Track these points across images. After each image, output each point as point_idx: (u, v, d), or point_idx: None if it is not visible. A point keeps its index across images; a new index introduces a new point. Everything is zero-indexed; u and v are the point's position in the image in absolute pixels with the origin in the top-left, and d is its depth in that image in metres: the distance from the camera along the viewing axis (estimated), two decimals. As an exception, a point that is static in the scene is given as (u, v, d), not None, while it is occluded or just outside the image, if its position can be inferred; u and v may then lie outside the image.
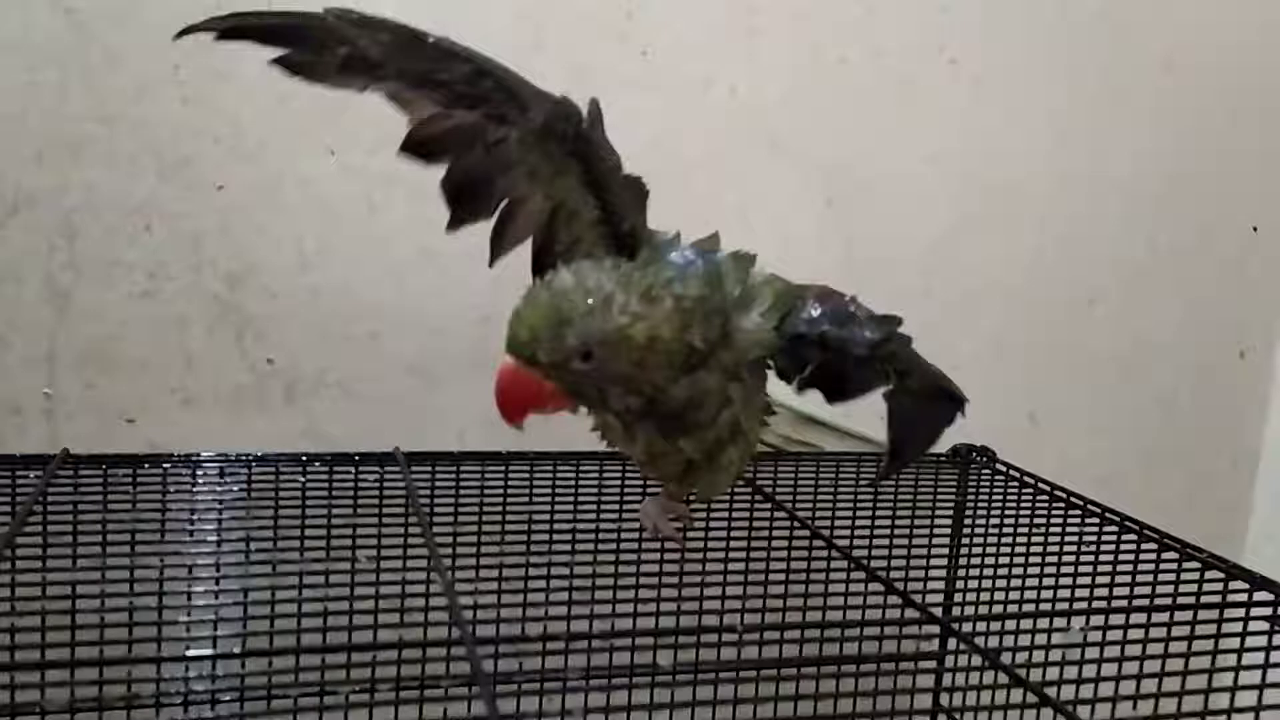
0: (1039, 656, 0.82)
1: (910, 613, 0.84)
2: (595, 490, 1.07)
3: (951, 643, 0.80)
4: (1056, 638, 0.82)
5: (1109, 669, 0.81)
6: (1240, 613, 0.89)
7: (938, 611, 1.15)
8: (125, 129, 1.06)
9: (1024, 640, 0.89)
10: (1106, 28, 1.36)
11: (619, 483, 1.07)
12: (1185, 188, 1.43)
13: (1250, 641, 0.87)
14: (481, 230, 1.15)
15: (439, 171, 1.13)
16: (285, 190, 1.11)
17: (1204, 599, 0.94)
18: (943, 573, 1.20)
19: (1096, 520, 1.07)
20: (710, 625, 0.75)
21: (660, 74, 1.20)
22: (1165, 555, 1.00)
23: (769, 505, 1.05)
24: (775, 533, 1.06)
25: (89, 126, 1.05)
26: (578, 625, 0.89)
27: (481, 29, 1.13)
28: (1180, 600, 0.95)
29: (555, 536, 1.00)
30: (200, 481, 1.02)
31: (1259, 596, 0.91)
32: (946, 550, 1.20)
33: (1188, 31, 1.40)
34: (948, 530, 1.21)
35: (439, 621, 0.76)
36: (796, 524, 1.01)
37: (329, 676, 0.69)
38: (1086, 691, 0.78)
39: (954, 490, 1.23)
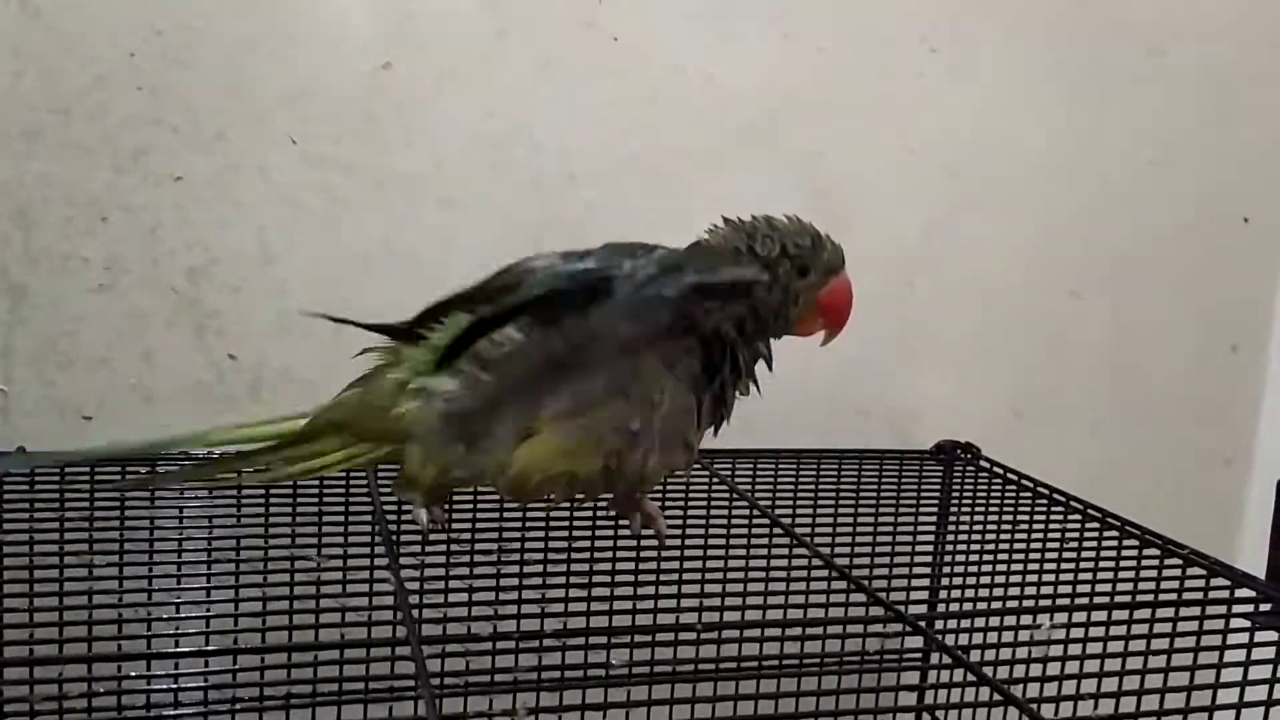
0: (1009, 654, 0.80)
1: (879, 611, 0.81)
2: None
3: (922, 641, 0.76)
4: (1026, 635, 0.80)
5: (1087, 666, 0.78)
6: (1223, 609, 0.87)
7: (923, 609, 1.15)
8: (81, 119, 1.04)
9: (995, 638, 0.88)
10: (1091, 13, 1.33)
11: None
12: (1173, 178, 1.40)
13: (1232, 639, 0.85)
14: (445, 221, 1.14)
15: (400, 160, 1.12)
16: (245, 181, 1.09)
17: (1186, 596, 0.93)
18: (927, 570, 1.18)
19: (1079, 517, 1.06)
20: (666, 624, 0.72)
21: (631, 62, 1.18)
22: (1147, 552, 0.99)
23: (747, 507, 1.03)
24: (739, 530, 1.03)
25: (43, 116, 1.03)
26: (544, 624, 0.86)
27: (446, 19, 1.12)
28: (1162, 597, 0.94)
29: (515, 533, 0.97)
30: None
31: (1241, 593, 0.89)
32: (931, 548, 1.19)
33: (1175, 16, 1.37)
34: (932, 527, 1.20)
35: (387, 621, 0.75)
36: (768, 521, 0.99)
37: (272, 678, 0.67)
38: (1057, 689, 0.75)
39: (938, 487, 1.22)
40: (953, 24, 1.28)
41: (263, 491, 0.99)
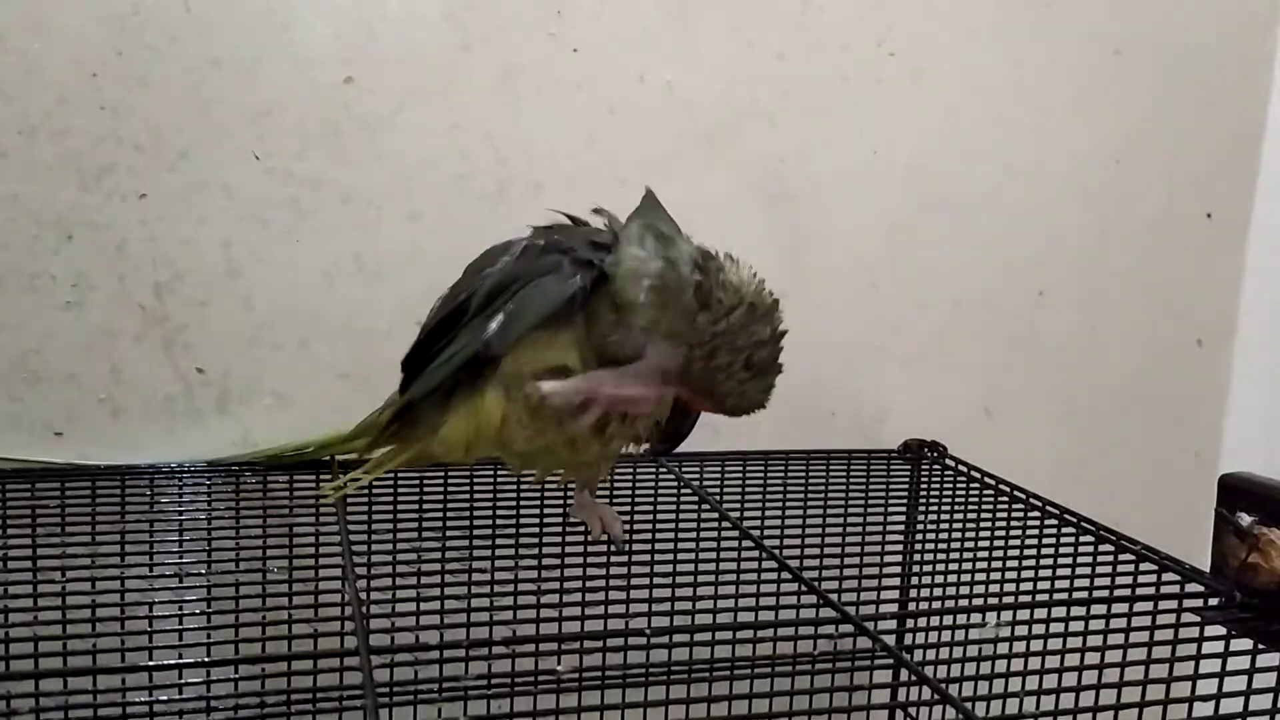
0: (960, 653, 0.81)
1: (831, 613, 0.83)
2: (514, 495, 1.07)
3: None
4: (974, 634, 0.82)
5: (1045, 663, 0.80)
6: (1174, 604, 0.89)
7: (893, 608, 1.16)
8: (45, 139, 1.04)
9: (949, 637, 0.89)
10: (1052, 14, 1.34)
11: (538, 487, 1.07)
12: (1136, 175, 1.41)
13: (1185, 633, 0.86)
14: (413, 234, 1.15)
15: (365, 173, 1.13)
16: (210, 197, 1.09)
17: (1139, 591, 0.94)
18: (896, 570, 1.20)
19: (1038, 514, 1.07)
20: (616, 629, 0.73)
21: (592, 72, 1.19)
22: (1103, 549, 1.00)
23: (716, 516, 1.04)
24: (708, 535, 1.05)
25: (8, 138, 1.04)
26: (493, 631, 0.87)
27: (408, 33, 1.13)
28: (1116, 593, 0.95)
29: (476, 541, 0.99)
30: (130, 493, 1.03)
31: (1191, 588, 0.90)
32: (900, 548, 1.20)
33: (1137, 15, 1.38)
34: (900, 527, 1.22)
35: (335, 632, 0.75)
36: (734, 528, 1.00)
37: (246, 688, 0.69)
38: (1005, 687, 0.77)
39: (906, 487, 1.24)
40: (910, 27, 1.29)
41: (232, 502, 1.01)
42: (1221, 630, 0.86)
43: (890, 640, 0.78)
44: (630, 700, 0.74)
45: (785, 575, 0.90)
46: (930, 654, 0.85)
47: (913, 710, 1.15)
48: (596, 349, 0.84)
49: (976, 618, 0.85)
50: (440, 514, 1.06)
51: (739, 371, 0.82)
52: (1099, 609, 0.86)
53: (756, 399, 0.85)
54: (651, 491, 1.11)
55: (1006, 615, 0.85)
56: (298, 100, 1.11)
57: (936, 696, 0.70)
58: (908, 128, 1.31)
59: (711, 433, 1.16)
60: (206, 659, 0.68)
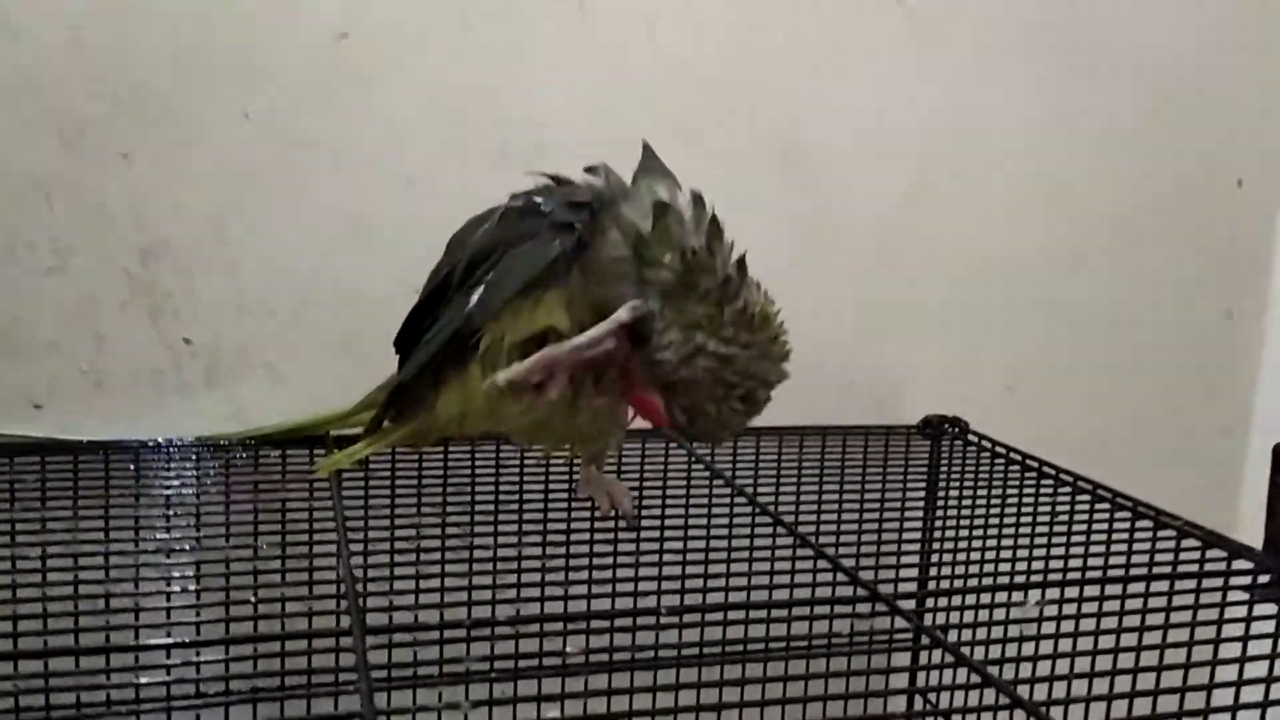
0: (1000, 634, 0.76)
1: (859, 592, 0.78)
2: (517, 470, 1.03)
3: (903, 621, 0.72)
4: (1014, 612, 0.77)
5: (1081, 644, 0.76)
6: (1219, 582, 0.84)
7: (912, 588, 1.11)
8: (21, 95, 0.99)
9: (986, 616, 0.84)
10: (1076, -33, 1.29)
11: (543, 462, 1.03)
12: (1165, 140, 1.35)
13: (1230, 613, 0.83)
14: (409, 201, 1.10)
15: (360, 134, 1.08)
16: (197, 158, 1.04)
17: (1181, 569, 0.89)
18: (916, 548, 1.15)
19: (1069, 490, 1.02)
20: (625, 609, 0.69)
21: (598, 31, 1.13)
22: (1140, 525, 0.95)
23: (730, 491, 0.99)
24: (720, 511, 1.01)
25: (-18, 94, 0.99)
26: (495, 610, 0.83)
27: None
28: (1156, 571, 0.90)
29: (478, 518, 0.94)
30: (114, 469, 0.99)
31: (1238, 565, 0.85)
32: (920, 526, 1.16)
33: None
34: (920, 505, 1.17)
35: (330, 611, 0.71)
36: (747, 502, 0.95)
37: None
38: (1050, 668, 0.72)
39: (926, 463, 1.19)
40: (929, -18, 1.23)
41: (222, 478, 0.98)
42: (1273, 609, 0.80)
43: (917, 620, 0.73)
44: (639, 684, 0.69)
45: (805, 551, 0.86)
46: (957, 634, 0.80)
47: (932, 696, 1.09)
48: (594, 305, 0.78)
49: (1016, 597, 0.80)
50: (440, 489, 1.01)
51: (734, 397, 0.77)
52: (1137, 587, 0.82)
53: (727, 431, 0.79)
54: (661, 466, 1.07)
55: (1044, 594, 0.80)
56: (289, 56, 1.06)
57: (975, 679, 0.65)
58: (924, 86, 1.26)
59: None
60: (196, 637, 0.63)
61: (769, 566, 0.90)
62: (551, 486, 1.01)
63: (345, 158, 1.08)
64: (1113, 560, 0.95)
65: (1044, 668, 0.72)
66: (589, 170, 0.85)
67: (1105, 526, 0.97)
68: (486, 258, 0.82)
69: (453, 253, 0.86)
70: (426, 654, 0.67)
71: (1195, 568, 0.88)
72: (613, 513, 0.93)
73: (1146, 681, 0.71)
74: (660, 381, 0.77)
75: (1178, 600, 0.81)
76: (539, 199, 0.83)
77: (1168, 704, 0.70)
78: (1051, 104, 1.31)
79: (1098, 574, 0.92)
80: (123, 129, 1.02)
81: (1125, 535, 0.95)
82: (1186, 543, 0.91)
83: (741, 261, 0.79)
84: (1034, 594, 0.79)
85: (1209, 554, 0.89)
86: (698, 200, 0.81)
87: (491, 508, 0.97)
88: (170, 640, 0.63)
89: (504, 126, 1.12)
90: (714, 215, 0.80)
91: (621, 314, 0.75)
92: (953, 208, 1.29)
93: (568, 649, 0.64)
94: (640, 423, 0.84)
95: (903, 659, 1.17)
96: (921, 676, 1.13)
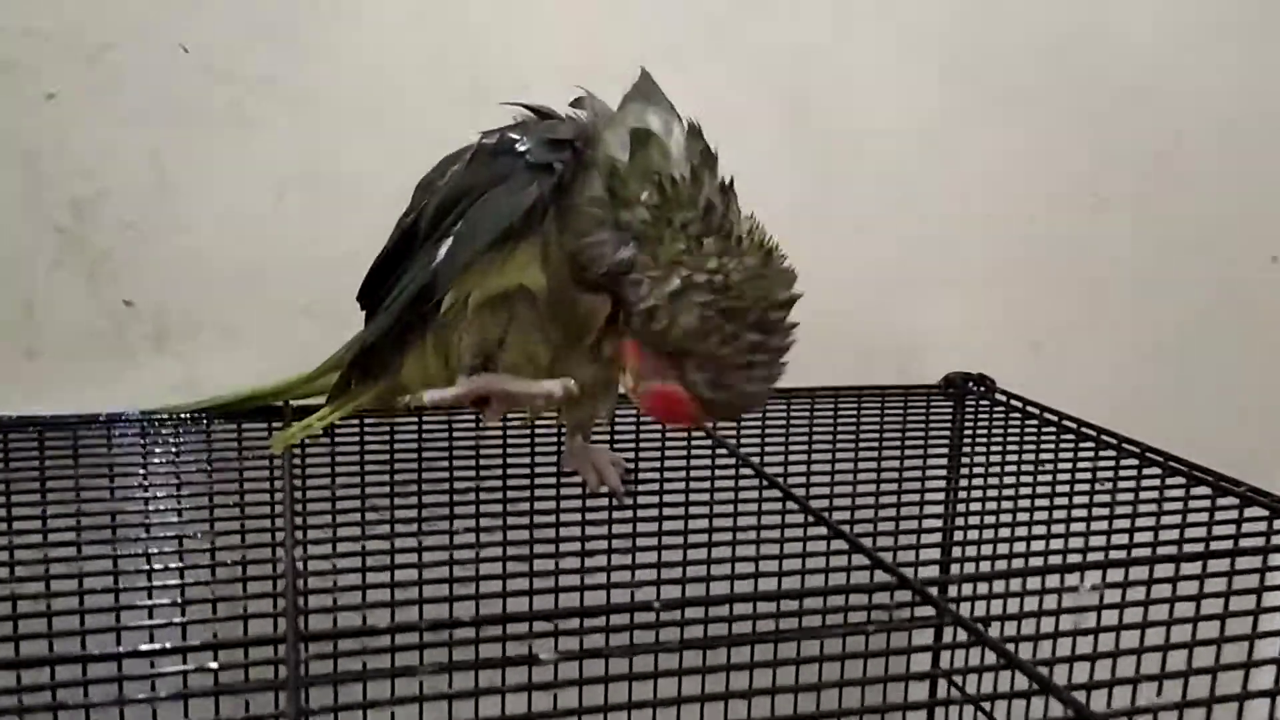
0: (1036, 618, 0.68)
1: (882, 575, 0.69)
2: (499, 444, 0.95)
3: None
4: (1066, 599, 0.67)
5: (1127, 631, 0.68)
6: None
7: (933, 567, 1.02)
8: (-68, 30, 0.90)
9: (1018, 604, 0.75)
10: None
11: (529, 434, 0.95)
12: (1206, 72, 1.27)
13: None
14: (377, 146, 1.00)
15: (324, 74, 0.98)
16: (134, 97, 0.96)
17: (1244, 541, 0.83)
18: (939, 519, 1.08)
19: (1113, 453, 0.95)
20: (620, 604, 0.59)
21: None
22: (1196, 491, 0.88)
23: (734, 462, 0.92)
24: (724, 484, 0.92)
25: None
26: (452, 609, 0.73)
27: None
28: (1215, 545, 0.81)
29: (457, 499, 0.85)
30: (50, 450, 0.91)
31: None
32: (942, 494, 1.08)
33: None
34: (943, 470, 1.09)
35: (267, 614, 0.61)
36: (754, 474, 0.88)
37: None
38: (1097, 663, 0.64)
39: (949, 425, 1.11)
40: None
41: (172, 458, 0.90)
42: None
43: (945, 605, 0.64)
44: (639, 697, 0.60)
45: (819, 530, 0.78)
46: (985, 610, 0.71)
47: (958, 679, 1.00)
48: (571, 256, 0.72)
49: (1069, 580, 0.71)
50: (415, 465, 0.92)
51: (747, 330, 0.67)
52: (1218, 562, 0.75)
53: (759, 383, 0.69)
54: (658, 436, 0.98)
55: (1104, 576, 0.71)
56: None
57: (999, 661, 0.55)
58: (943, 12, 1.18)
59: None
60: (150, 645, 0.56)
61: (779, 549, 0.80)
62: (538, 461, 0.93)
63: (301, 99, 0.99)
64: (1164, 535, 0.86)
65: (1087, 659, 0.64)
66: (574, 104, 0.78)
67: (1155, 495, 0.89)
68: (456, 204, 0.75)
69: (419, 196, 0.80)
70: (375, 661, 0.57)
71: (1261, 541, 0.80)
72: (602, 489, 0.85)
73: (1204, 657, 0.66)
74: (658, 341, 0.69)
75: (1239, 582, 0.73)
76: (515, 136, 0.75)
77: (1230, 683, 0.64)
78: (1084, 31, 1.23)
79: (1147, 549, 0.84)
80: (49, 65, 0.94)
81: (1179, 504, 0.88)
82: (1251, 511, 0.83)
83: (724, 186, 0.72)
84: (1090, 576, 0.69)
85: (1276, 524, 0.81)
86: (694, 131, 0.73)
87: (472, 487, 0.87)
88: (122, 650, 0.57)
89: (478, 61, 1.05)
90: (707, 146, 0.72)
91: (555, 389, 0.73)
92: (975, 146, 1.22)
93: (544, 654, 0.55)
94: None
95: (925, 636, 1.07)
96: (944, 659, 1.05)
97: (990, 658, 0.60)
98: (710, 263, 0.67)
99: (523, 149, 0.72)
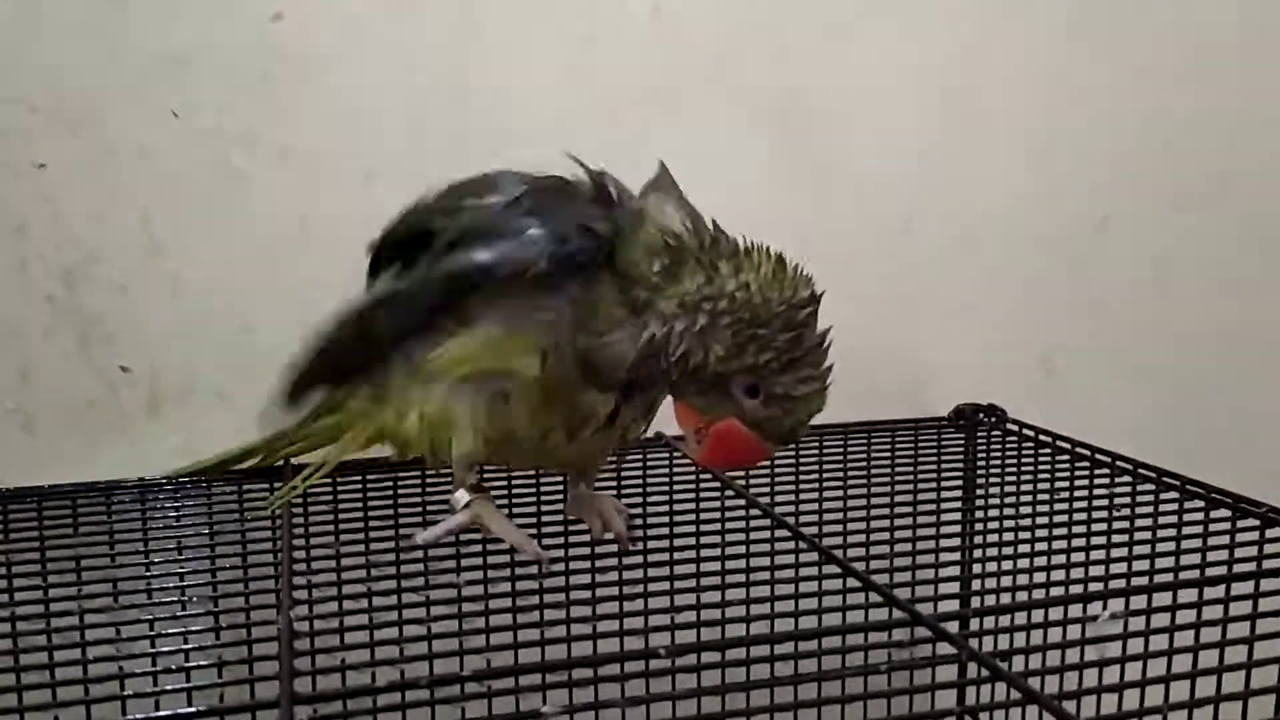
0: (1058, 654, 0.67)
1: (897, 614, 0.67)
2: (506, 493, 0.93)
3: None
4: (1088, 630, 0.66)
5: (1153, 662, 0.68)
6: None
7: (952, 603, 1.00)
8: (-82, 102, 0.90)
9: (1041, 637, 0.74)
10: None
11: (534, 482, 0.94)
12: (1211, 87, 1.26)
13: None
14: (366, 193, 1.00)
15: (306, 126, 0.98)
16: (122, 164, 0.96)
17: (1267, 563, 0.80)
18: (955, 555, 1.06)
19: (1129, 478, 0.93)
20: (634, 650, 0.57)
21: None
22: (1215, 514, 0.86)
23: (743, 504, 0.89)
24: (734, 526, 0.90)
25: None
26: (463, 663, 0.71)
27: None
28: (1238, 568, 0.81)
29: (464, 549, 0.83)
30: (49, 520, 0.89)
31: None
32: (958, 529, 1.07)
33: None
34: (957, 505, 1.07)
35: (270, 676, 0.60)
36: (762, 514, 0.86)
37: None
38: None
39: (961, 459, 1.09)
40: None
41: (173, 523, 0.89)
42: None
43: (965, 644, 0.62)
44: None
45: (833, 569, 0.76)
46: (1007, 644, 0.70)
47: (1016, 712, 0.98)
48: (584, 355, 0.72)
49: (1092, 609, 0.69)
50: (419, 516, 0.91)
51: (777, 332, 0.68)
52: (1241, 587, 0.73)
53: (811, 382, 0.70)
54: (666, 480, 0.97)
55: (1127, 603, 0.69)
56: (219, 43, 0.97)
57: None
58: (943, 41, 1.17)
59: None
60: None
61: (793, 589, 0.78)
62: (544, 509, 0.92)
63: (289, 154, 0.99)
64: (1185, 559, 0.84)
65: (1110, 697, 0.63)
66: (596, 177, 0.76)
67: (1174, 519, 0.87)
68: (481, 238, 0.73)
69: (449, 199, 0.79)
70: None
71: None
72: (607, 536, 0.83)
73: (1234, 683, 0.64)
74: (700, 383, 0.70)
75: (1265, 604, 0.72)
76: (552, 201, 0.75)
77: (1263, 708, 0.63)
78: (1084, 50, 1.22)
79: (1169, 575, 0.82)
80: (37, 135, 0.94)
81: (1199, 528, 0.86)
82: (1272, 532, 0.81)
83: (716, 224, 0.73)
84: (1111, 605, 0.68)
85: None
86: (680, 200, 0.76)
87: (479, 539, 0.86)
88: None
89: (465, 109, 1.04)
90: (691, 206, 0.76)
91: (534, 554, 0.76)
92: (976, 170, 1.21)
93: (547, 708, 0.53)
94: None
95: (946, 673, 1.04)
96: (970, 695, 1.01)
97: (1013, 694, 0.58)
98: (730, 284, 0.68)
99: (554, 235, 0.72)
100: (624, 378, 0.71)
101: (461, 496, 0.80)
